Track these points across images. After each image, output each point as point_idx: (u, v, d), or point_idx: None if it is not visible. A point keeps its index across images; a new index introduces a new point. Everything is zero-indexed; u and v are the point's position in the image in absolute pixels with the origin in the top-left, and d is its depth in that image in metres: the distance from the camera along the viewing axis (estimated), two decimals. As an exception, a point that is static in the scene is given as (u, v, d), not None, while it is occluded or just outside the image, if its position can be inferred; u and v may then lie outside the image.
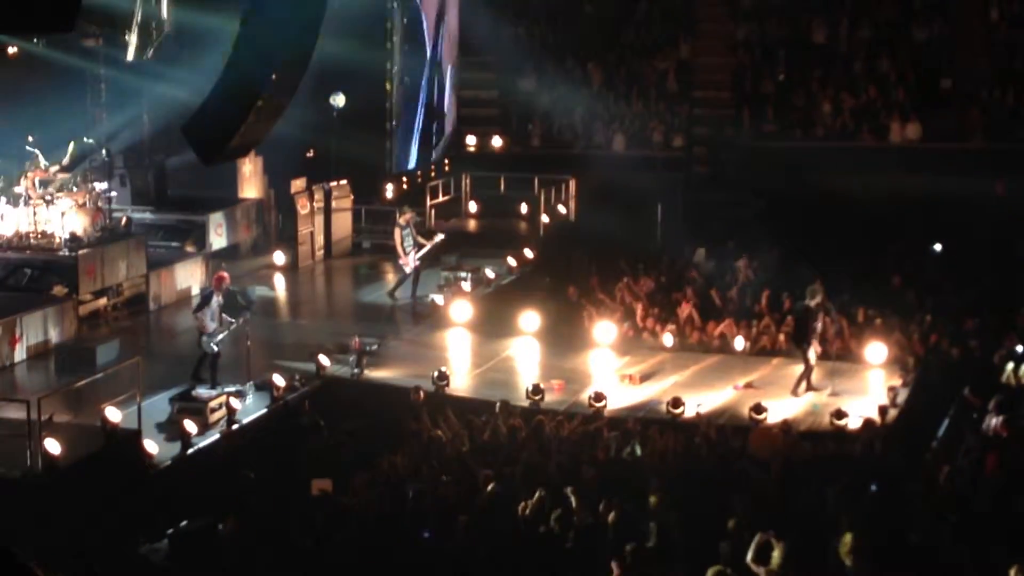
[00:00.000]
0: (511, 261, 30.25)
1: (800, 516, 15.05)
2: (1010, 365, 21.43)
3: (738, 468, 17.54)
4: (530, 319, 25.57)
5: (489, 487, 16.36)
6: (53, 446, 17.29)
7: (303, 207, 31.36)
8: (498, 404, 20.49)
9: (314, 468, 18.12)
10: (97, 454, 18.05)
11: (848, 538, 13.68)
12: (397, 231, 28.26)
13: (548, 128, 38.73)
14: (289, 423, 20.64)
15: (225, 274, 22.23)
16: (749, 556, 13.43)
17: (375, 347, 23.90)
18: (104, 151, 28.85)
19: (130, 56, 28.70)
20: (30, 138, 26.35)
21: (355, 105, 33.52)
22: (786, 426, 19.61)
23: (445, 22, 37.28)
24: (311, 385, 22.08)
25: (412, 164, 36.71)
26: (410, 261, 27.91)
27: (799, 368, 22.48)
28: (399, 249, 28.08)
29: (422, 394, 21.23)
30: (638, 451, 18.35)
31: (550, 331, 25.46)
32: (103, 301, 25.91)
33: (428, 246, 28.34)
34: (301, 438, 19.94)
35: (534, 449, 18.42)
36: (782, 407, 21.07)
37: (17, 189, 25.70)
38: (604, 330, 24.93)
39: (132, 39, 28.39)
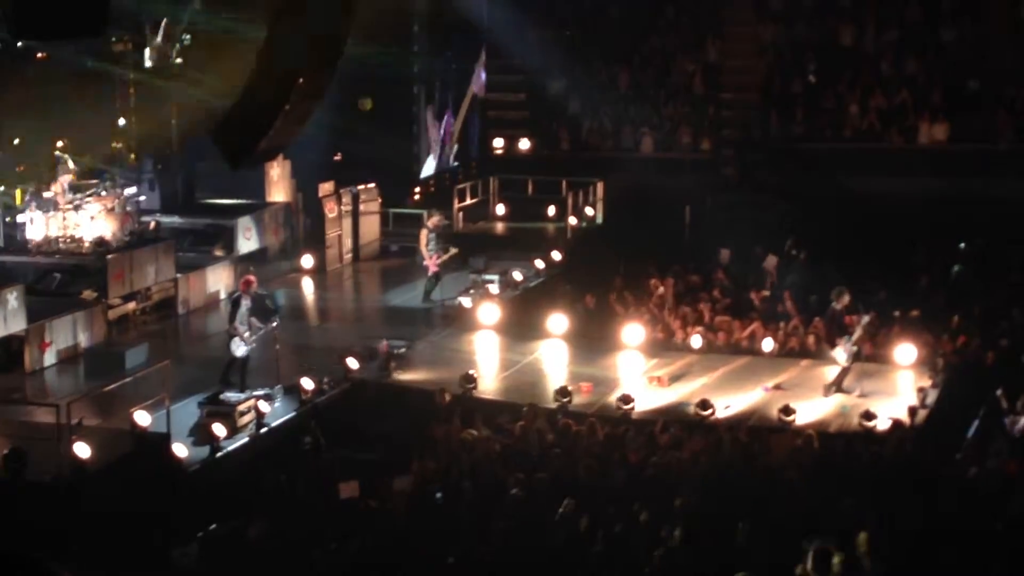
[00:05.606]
0: (539, 264, 30.21)
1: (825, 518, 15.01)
2: None
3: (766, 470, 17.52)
4: (558, 322, 25.52)
5: (517, 492, 16.33)
6: (82, 450, 17.35)
7: (331, 211, 31.37)
8: (526, 407, 20.48)
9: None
10: (126, 458, 18.12)
11: (864, 537, 13.63)
12: (423, 233, 28.32)
13: (576, 131, 38.66)
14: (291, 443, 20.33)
15: (252, 278, 22.27)
16: (808, 566, 12.72)
17: (403, 350, 23.90)
18: (132, 156, 28.91)
19: (148, 63, 28.72)
20: (59, 143, 26.41)
21: (382, 108, 33.54)
22: (814, 428, 19.54)
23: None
24: (340, 388, 22.10)
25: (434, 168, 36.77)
26: (432, 264, 27.93)
27: (828, 370, 22.43)
28: (423, 251, 28.15)
29: (447, 396, 21.23)
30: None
31: (578, 333, 25.42)
32: (132, 305, 25.95)
33: (445, 256, 28.34)
34: (301, 459, 19.72)
35: (563, 453, 18.37)
36: (811, 409, 21.01)
37: (46, 194, 25.74)
38: (632, 332, 24.86)
39: (153, 43, 28.43)
